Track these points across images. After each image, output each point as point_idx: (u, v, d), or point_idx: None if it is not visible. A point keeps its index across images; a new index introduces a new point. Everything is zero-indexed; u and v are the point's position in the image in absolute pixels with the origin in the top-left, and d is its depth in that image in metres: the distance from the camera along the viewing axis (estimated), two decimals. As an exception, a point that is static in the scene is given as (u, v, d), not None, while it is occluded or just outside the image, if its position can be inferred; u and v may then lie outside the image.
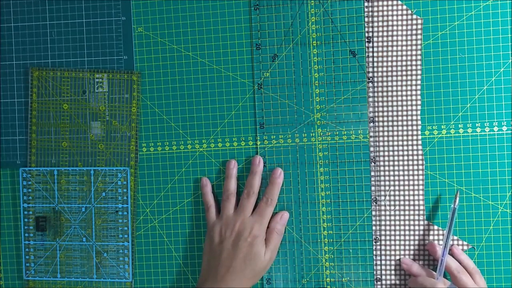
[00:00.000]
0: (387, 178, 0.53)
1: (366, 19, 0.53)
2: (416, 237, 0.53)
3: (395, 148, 0.53)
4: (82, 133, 0.57)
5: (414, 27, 0.52)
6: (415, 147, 0.53)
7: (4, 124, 0.59)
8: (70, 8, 0.57)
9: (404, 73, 0.53)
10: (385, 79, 0.53)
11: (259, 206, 0.53)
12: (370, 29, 0.53)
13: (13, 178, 0.59)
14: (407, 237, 0.53)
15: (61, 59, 0.57)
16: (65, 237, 0.58)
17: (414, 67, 0.52)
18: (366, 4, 0.53)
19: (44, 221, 0.57)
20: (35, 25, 0.58)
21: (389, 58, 0.53)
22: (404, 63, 0.52)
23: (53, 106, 0.57)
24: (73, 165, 0.57)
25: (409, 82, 0.53)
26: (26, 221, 0.58)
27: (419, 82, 0.52)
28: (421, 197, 0.53)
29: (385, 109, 0.53)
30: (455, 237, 0.53)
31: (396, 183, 0.53)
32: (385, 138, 0.53)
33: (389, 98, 0.53)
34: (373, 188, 0.53)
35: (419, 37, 0.52)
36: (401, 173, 0.53)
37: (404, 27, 0.52)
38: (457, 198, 0.50)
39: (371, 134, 0.53)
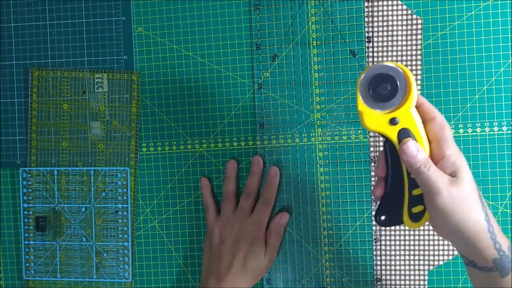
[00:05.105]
0: (387, 178, 0.53)
1: (366, 19, 0.53)
2: (416, 237, 0.53)
3: (395, 148, 0.53)
4: (82, 133, 0.57)
5: (414, 27, 0.52)
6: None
7: (4, 124, 0.59)
8: (70, 8, 0.57)
9: (404, 73, 0.52)
10: (385, 79, 0.53)
11: (257, 207, 0.53)
12: (370, 29, 0.53)
13: (13, 178, 0.59)
14: (407, 237, 0.53)
15: (61, 59, 0.57)
16: (65, 237, 0.58)
17: (414, 67, 0.52)
18: (366, 4, 0.53)
19: (44, 221, 0.57)
20: (35, 25, 0.58)
21: (389, 58, 0.53)
22: (404, 63, 0.52)
23: (53, 106, 0.57)
24: (73, 165, 0.57)
25: (409, 82, 0.52)
26: (26, 221, 0.58)
27: (419, 82, 0.52)
28: (421, 197, 0.53)
29: (385, 109, 0.53)
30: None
31: (396, 183, 0.53)
32: (385, 138, 0.53)
33: (389, 98, 0.53)
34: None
35: (419, 37, 0.52)
36: (401, 173, 0.53)
37: (404, 27, 0.52)
38: None
39: (371, 134, 0.53)
